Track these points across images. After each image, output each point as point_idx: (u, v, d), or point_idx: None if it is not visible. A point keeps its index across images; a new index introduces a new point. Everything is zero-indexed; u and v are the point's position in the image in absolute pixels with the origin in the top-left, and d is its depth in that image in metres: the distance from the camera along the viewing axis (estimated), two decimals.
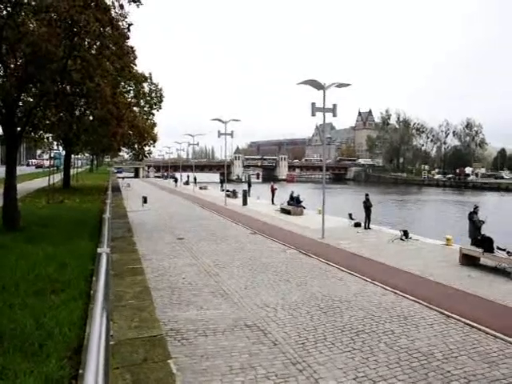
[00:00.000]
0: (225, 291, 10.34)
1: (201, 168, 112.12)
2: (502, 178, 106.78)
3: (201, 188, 54.11)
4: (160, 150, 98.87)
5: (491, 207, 51.33)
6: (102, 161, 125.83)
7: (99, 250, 4.32)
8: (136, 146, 45.14)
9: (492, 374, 6.38)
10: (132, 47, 22.63)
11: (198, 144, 56.65)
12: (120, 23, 17.72)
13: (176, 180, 68.23)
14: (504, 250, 12.94)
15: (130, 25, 19.13)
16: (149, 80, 43.93)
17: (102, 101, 19.53)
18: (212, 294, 10.06)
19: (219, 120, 33.76)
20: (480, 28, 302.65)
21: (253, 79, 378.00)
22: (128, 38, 19.72)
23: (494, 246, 13.18)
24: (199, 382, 5.93)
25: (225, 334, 7.68)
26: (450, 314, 8.90)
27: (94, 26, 14.87)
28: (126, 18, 18.25)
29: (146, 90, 44.34)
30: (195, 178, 59.35)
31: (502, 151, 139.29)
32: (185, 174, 74.87)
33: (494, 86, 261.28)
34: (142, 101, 44.57)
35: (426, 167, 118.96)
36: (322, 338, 7.61)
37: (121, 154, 73.26)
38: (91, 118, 32.09)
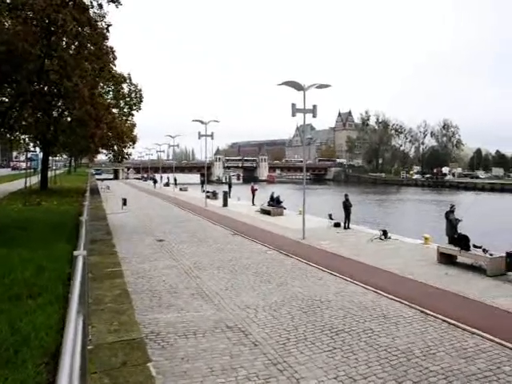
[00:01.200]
0: (205, 293, 10.30)
1: (181, 169, 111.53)
2: (478, 177, 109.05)
3: (181, 189, 53.79)
4: (140, 152, 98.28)
5: (467, 206, 52.27)
6: (80, 162, 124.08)
7: (75, 252, 4.24)
8: (115, 148, 44.64)
9: (468, 369, 6.50)
10: (111, 47, 22.41)
11: (178, 145, 56.55)
12: (99, 23, 17.54)
13: (155, 181, 67.71)
14: (480, 247, 13.20)
15: (108, 25, 18.94)
16: (128, 81, 43.53)
17: (79, 101, 19.28)
18: (192, 296, 10.01)
19: (200, 121, 33.63)
20: (460, 30, 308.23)
21: (233, 80, 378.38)
22: (107, 39, 19.51)
23: (471, 244, 13.43)
24: None
25: (205, 335, 7.65)
26: (428, 312, 9.03)
27: (72, 25, 14.66)
28: (104, 17, 18.07)
29: (126, 90, 43.93)
30: (175, 180, 58.98)
31: (478, 152, 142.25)
32: (165, 176, 74.39)
33: (470, 88, 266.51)
34: (121, 102, 44.14)
35: (414, 170, 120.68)
36: (302, 337, 7.64)
37: (100, 155, 72.45)
38: (69, 119, 31.64)
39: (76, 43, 16.70)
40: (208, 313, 8.87)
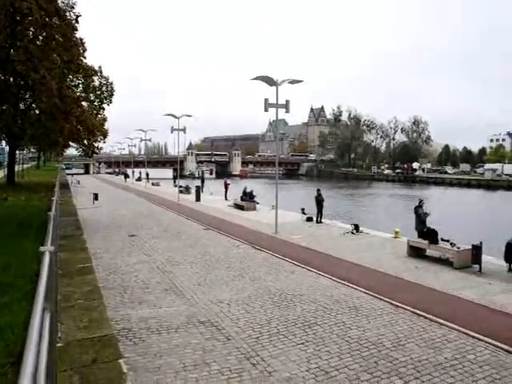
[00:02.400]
0: (178, 288, 10.24)
1: (153, 164, 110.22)
2: (446, 172, 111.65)
3: (153, 184, 53.22)
4: (111, 146, 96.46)
5: (436, 201, 53.54)
6: (49, 157, 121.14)
7: (42, 248, 4.13)
8: (85, 142, 43.70)
9: (436, 359, 6.68)
10: (81, 39, 21.85)
11: (150, 140, 55.57)
12: (67, 14, 17.09)
13: (126, 176, 66.77)
14: (448, 241, 13.54)
15: (78, 16, 18.49)
16: (99, 74, 42.62)
17: (47, 94, 18.73)
18: (165, 292, 9.93)
19: (172, 115, 33.26)
20: (426, 29, 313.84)
21: (207, 74, 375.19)
22: (76, 30, 19.05)
23: (439, 237, 13.77)
24: (152, 381, 5.84)
25: (178, 331, 7.61)
26: (398, 304, 9.22)
27: (38, 14, 14.22)
28: (73, 8, 17.63)
29: (96, 83, 43.00)
30: (147, 174, 58.35)
31: (446, 147, 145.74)
32: (137, 170, 73.36)
33: (440, 86, 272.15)
34: (91, 95, 43.19)
35: (386, 165, 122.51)
36: (275, 331, 7.68)
37: (70, 149, 70.81)
38: (37, 111, 30.78)
39: (44, 34, 16.21)
40: (181, 308, 8.82)
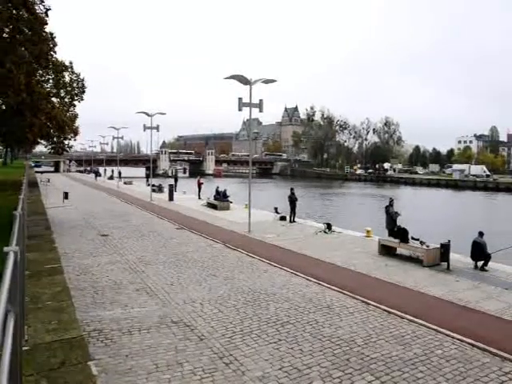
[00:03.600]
0: (150, 288, 10.13)
1: (126, 162, 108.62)
2: (417, 173, 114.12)
3: (125, 183, 52.42)
4: (83, 144, 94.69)
5: (406, 200, 54.60)
6: (17, 154, 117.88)
7: (6, 248, 4.01)
8: (55, 139, 42.69)
9: (406, 355, 6.82)
10: (51, 34, 21.28)
11: (122, 137, 54.58)
12: (36, 6, 16.62)
13: (97, 174, 65.62)
14: (417, 239, 13.82)
15: (48, 9, 18.00)
16: (70, 69, 41.71)
17: (14, 89, 18.18)
18: (137, 292, 9.81)
19: (145, 113, 32.80)
20: (397, 32, 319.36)
21: (181, 72, 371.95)
22: (46, 24, 18.52)
23: (409, 236, 14.03)
24: (124, 382, 5.76)
25: (150, 331, 7.53)
26: (369, 302, 9.37)
27: (4, 6, 13.78)
28: (43, 1, 17.15)
29: (67, 79, 42.05)
30: (120, 173, 57.39)
31: (416, 148, 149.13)
32: (109, 169, 72.09)
33: (410, 88, 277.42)
34: (62, 91, 42.21)
35: (358, 165, 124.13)
36: (248, 330, 7.69)
37: (39, 146, 69.15)
38: (4, 107, 29.89)
39: (10, 27, 15.70)
40: (153, 308, 8.74)
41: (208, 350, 6.86)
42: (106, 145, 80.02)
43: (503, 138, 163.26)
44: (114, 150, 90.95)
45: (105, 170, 70.43)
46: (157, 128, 33.77)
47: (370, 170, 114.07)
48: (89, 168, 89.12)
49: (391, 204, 16.88)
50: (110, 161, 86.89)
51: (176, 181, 41.25)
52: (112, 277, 11.03)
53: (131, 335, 7.34)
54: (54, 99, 38.48)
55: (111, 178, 62.75)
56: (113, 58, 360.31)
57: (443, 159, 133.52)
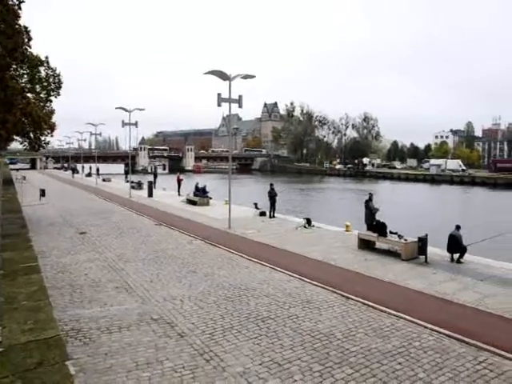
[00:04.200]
0: (130, 286, 10.04)
1: (104, 159, 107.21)
2: (395, 167, 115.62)
3: (104, 180, 51.73)
4: (60, 140, 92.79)
5: (385, 194, 55.26)
6: None
7: None
8: (31, 135, 41.70)
9: (385, 347, 6.93)
10: (26, 27, 20.77)
11: (100, 134, 54.02)
12: None
13: (74, 171, 64.63)
14: (396, 233, 14.02)
15: (21, 1, 17.57)
16: (45, 64, 40.74)
17: None
18: (116, 290, 9.72)
19: (123, 109, 32.36)
20: (379, 29, 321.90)
21: (160, 68, 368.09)
22: (19, 16, 18.08)
23: (388, 230, 14.22)
24: (103, 381, 5.71)
25: (130, 329, 7.47)
26: (349, 296, 9.47)
27: None
28: None
29: (43, 74, 41.08)
30: (98, 170, 56.60)
31: (395, 143, 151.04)
32: (87, 166, 71.04)
33: (389, 85, 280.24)
34: (37, 86, 41.23)
35: (337, 160, 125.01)
36: (228, 326, 7.69)
37: (14, 143, 67.60)
38: None
39: None
40: (133, 306, 8.67)
41: (188, 346, 6.84)
42: (84, 141, 79.08)
43: (478, 133, 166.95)
44: (93, 147, 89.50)
45: (82, 166, 69.38)
46: (135, 124, 33.41)
47: (350, 165, 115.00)
48: (66, 165, 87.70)
49: (370, 199, 17.09)
50: (88, 157, 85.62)
51: (155, 177, 40.92)
52: (91, 275, 10.90)
53: (110, 333, 7.27)
54: (29, 95, 37.56)
55: (89, 174, 61.92)
56: (91, 54, 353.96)
57: (421, 154, 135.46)
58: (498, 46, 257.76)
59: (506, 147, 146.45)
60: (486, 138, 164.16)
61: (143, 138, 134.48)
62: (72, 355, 6.38)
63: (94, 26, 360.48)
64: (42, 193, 28.79)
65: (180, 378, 5.87)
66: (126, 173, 54.72)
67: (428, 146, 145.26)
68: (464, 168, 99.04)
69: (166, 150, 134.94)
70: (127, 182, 43.15)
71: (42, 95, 42.49)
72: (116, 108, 32.75)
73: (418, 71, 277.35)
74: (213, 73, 17.91)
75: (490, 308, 8.87)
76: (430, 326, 7.81)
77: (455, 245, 12.91)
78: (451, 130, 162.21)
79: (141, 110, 33.39)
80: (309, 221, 19.11)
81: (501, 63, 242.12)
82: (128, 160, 39.86)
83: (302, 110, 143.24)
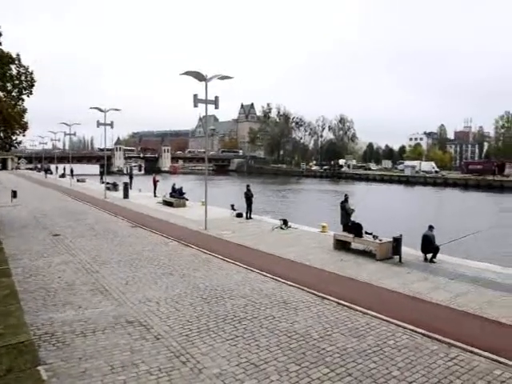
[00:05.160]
0: (105, 288, 9.92)
1: (79, 159, 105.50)
2: (370, 169, 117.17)
3: (78, 181, 50.88)
4: (33, 140, 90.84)
5: (360, 196, 55.91)
6: None
7: None
8: (1, 135, 40.70)
9: (360, 347, 7.03)
10: None
11: (75, 134, 52.98)
12: None
13: (47, 171, 63.42)
14: (371, 234, 14.22)
15: None
16: (17, 62, 39.83)
17: None
18: (91, 292, 9.59)
19: (98, 109, 31.88)
20: (357, 27, 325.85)
21: (136, 68, 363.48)
22: None
23: (363, 231, 14.41)
24: None
25: (105, 332, 7.38)
26: (325, 296, 9.56)
27: None
28: None
29: (14, 72, 40.17)
30: (72, 170, 55.64)
31: (370, 145, 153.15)
32: (61, 166, 69.73)
33: (364, 86, 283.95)
34: (8, 84, 40.30)
35: (314, 162, 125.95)
36: (205, 328, 7.68)
37: None
38: None
39: None
40: (108, 309, 8.56)
41: (164, 349, 6.80)
42: (58, 141, 77.64)
43: (450, 135, 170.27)
44: (67, 147, 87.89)
45: (56, 167, 68.12)
46: (111, 124, 32.95)
47: (326, 167, 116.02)
48: (39, 165, 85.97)
49: (346, 200, 17.29)
50: (62, 158, 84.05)
51: (131, 178, 40.47)
52: (64, 278, 10.72)
53: (85, 337, 7.17)
54: None
55: (63, 175, 60.84)
56: (63, 54, 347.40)
57: (395, 156, 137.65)
58: (470, 51, 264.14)
59: (476, 149, 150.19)
60: (457, 140, 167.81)
61: (119, 139, 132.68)
62: (45, 360, 6.26)
63: (70, 23, 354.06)
64: (14, 194, 28.11)
65: (156, 380, 5.83)
66: (102, 174, 54.04)
67: (403, 148, 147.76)
68: (437, 170, 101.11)
69: (143, 150, 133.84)
70: (102, 182, 42.57)
71: (13, 94, 41.53)
72: (90, 108, 32.29)
73: (394, 75, 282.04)
74: (189, 73, 17.85)
75: (460, 306, 9.10)
76: (403, 324, 7.96)
77: (428, 245, 13.18)
78: (425, 133, 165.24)
79: (116, 110, 32.97)
80: (285, 222, 19.21)
81: (473, 68, 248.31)
82: (103, 161, 39.32)
83: (279, 112, 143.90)
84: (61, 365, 6.18)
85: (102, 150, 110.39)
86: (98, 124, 32.64)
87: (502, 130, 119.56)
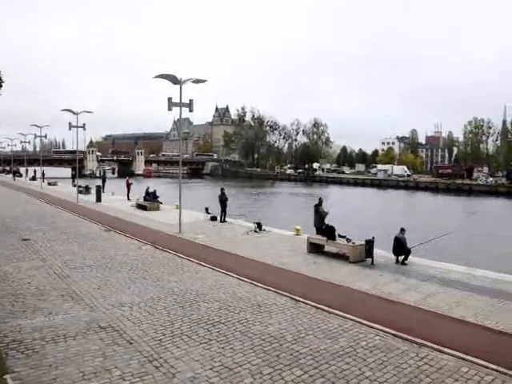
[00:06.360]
0: (76, 293, 9.75)
1: (50, 162, 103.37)
2: (344, 172, 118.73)
3: (50, 184, 49.84)
4: (1, 142, 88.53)
5: (334, 199, 56.50)
6: None
7: None
8: None
9: (333, 348, 7.12)
10: None
11: (46, 136, 51.84)
12: None
13: (16, 174, 61.94)
14: (344, 237, 14.40)
15: None
16: None
17: None
18: (62, 298, 9.41)
19: (70, 111, 31.35)
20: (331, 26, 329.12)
21: (110, 70, 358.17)
22: None
23: (336, 234, 14.58)
24: None
25: (77, 338, 7.26)
26: (298, 299, 9.63)
27: None
28: None
29: None
30: (43, 173, 54.46)
31: (344, 149, 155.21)
32: (31, 169, 68.18)
33: (339, 91, 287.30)
34: None
35: (288, 165, 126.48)
36: (178, 332, 7.64)
37: None
38: None
39: None
40: (79, 314, 8.43)
41: (137, 353, 6.74)
42: (28, 143, 75.44)
43: (422, 140, 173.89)
44: (37, 149, 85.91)
45: (26, 170, 66.58)
46: (83, 127, 32.45)
47: (300, 170, 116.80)
48: (8, 168, 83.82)
49: (320, 203, 17.45)
50: (33, 160, 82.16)
51: (104, 181, 39.87)
52: (34, 283, 10.49)
53: (56, 344, 7.04)
54: None
55: (34, 178, 59.51)
56: (37, 53, 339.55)
57: (369, 159, 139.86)
58: (440, 57, 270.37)
59: (446, 154, 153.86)
60: (428, 144, 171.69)
61: (91, 141, 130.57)
62: (13, 368, 6.12)
63: (37, 22, 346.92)
64: None
65: None
66: (74, 177, 53.00)
67: (375, 152, 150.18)
68: (409, 173, 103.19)
69: (116, 153, 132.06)
70: (74, 186, 41.76)
71: None
72: (62, 110, 31.72)
73: (366, 79, 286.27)
74: (163, 77, 17.76)
75: (430, 307, 9.32)
76: (375, 325, 8.10)
77: (400, 247, 13.43)
78: (397, 137, 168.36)
79: (89, 112, 32.58)
80: (259, 225, 19.26)
81: (441, 74, 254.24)
82: (75, 163, 38.62)
83: (253, 115, 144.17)
84: (30, 373, 6.04)
85: (70, 151, 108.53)
86: (70, 126, 32.08)
87: (470, 135, 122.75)
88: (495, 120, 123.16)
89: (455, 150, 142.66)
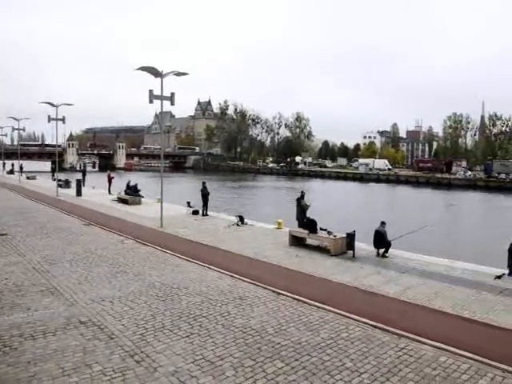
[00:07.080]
0: (56, 288, 9.63)
1: (29, 156, 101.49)
2: (326, 166, 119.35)
3: (28, 178, 48.94)
4: None
5: (316, 192, 56.83)
6: None
7: None
8: None
9: (314, 340, 7.17)
10: None
11: (24, 129, 50.84)
12: None
13: None
14: (325, 230, 14.50)
15: None
16: None
17: None
18: (41, 293, 9.28)
19: (50, 104, 30.77)
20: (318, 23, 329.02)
21: (90, 62, 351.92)
22: None
23: (318, 227, 14.66)
24: None
25: (56, 334, 7.17)
26: (280, 291, 9.68)
27: None
28: None
29: None
30: (21, 167, 53.45)
31: (325, 143, 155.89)
32: (9, 162, 66.83)
33: (320, 84, 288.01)
34: None
35: (270, 159, 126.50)
36: (160, 326, 7.61)
37: None
38: None
39: None
40: (59, 309, 8.33)
41: (119, 348, 6.69)
42: (5, 136, 73.98)
43: (403, 134, 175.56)
44: (15, 142, 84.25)
45: (4, 163, 65.28)
46: (63, 120, 31.84)
47: (282, 164, 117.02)
48: None
49: (302, 196, 17.53)
50: (11, 154, 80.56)
51: (84, 175, 39.36)
52: (12, 279, 10.31)
53: (34, 340, 6.94)
54: None
55: (11, 172, 58.37)
56: (13, 44, 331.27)
57: (350, 153, 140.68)
58: (420, 53, 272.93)
59: (426, 148, 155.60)
60: (409, 139, 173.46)
61: (71, 135, 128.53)
62: None
63: (22, 13, 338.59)
64: None
65: (110, 381, 5.73)
66: (53, 170, 52.18)
67: (357, 146, 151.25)
68: (390, 167, 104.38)
69: (96, 146, 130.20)
70: (54, 179, 41.12)
71: None
72: (41, 103, 31.13)
73: (347, 73, 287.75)
74: (144, 69, 17.56)
75: (410, 298, 9.47)
76: (356, 317, 8.19)
77: (380, 240, 13.59)
78: (378, 131, 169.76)
79: (69, 105, 31.94)
80: (241, 218, 19.26)
81: (423, 72, 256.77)
82: (55, 157, 38.01)
83: (236, 109, 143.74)
84: (7, 370, 5.95)
85: (38, 145, 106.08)
86: (50, 119, 31.49)
87: (450, 130, 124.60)
88: (474, 115, 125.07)
89: (435, 144, 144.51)
